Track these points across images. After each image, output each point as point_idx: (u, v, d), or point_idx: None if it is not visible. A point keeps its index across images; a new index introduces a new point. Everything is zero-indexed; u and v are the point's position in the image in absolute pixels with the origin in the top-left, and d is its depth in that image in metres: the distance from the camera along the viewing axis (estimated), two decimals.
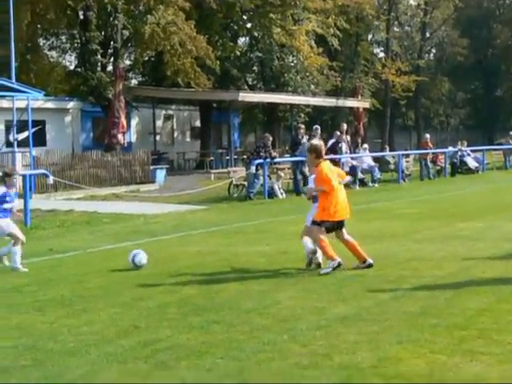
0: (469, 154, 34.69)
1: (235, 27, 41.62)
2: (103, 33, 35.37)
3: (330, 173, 10.42)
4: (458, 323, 7.19)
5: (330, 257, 10.14)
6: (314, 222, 10.41)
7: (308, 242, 10.38)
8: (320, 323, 7.30)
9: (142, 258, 10.78)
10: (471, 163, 34.45)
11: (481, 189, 25.49)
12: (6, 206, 10.92)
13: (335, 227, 10.52)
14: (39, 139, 30.97)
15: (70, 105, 36.07)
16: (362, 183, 27.32)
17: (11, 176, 11.37)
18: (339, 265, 10.08)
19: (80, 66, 36.44)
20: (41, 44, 41.17)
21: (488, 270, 9.91)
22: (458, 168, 33.63)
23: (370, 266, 10.29)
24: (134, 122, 40.13)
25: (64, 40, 41.83)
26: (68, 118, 36.31)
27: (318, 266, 10.30)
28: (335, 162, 25.67)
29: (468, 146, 35.16)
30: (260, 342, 6.67)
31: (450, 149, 34.85)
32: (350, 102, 44.27)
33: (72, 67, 42.37)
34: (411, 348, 6.40)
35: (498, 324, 7.11)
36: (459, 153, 33.77)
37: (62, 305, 8.47)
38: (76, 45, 38.97)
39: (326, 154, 25.46)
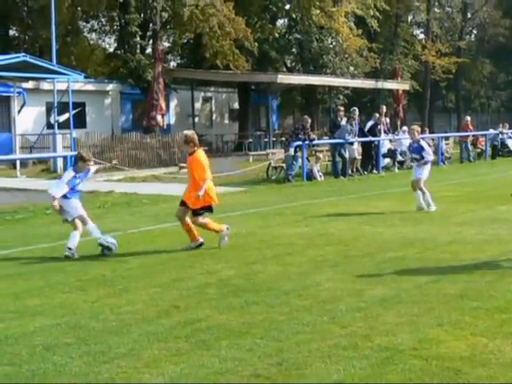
0: (510, 137, 34.24)
1: (274, 9, 41.43)
2: (142, 15, 35.54)
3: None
4: (499, 306, 7.14)
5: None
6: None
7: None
8: (359, 305, 7.31)
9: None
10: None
11: None
12: (78, 187, 11.10)
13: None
14: (79, 121, 31.33)
15: (110, 87, 36.34)
16: (402, 165, 27.13)
17: (86, 161, 11.06)
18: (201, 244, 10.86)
19: (119, 49, 36.69)
20: (81, 27, 41.50)
21: None
22: (499, 150, 33.23)
23: (201, 244, 10.93)
24: (173, 104, 40.28)
25: (104, 22, 42.09)
26: (108, 100, 36.58)
27: None
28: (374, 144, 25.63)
29: (509, 128, 34.68)
30: (299, 323, 6.70)
31: (491, 131, 34.43)
32: (390, 84, 43.90)
33: (111, 49, 42.67)
34: (452, 330, 6.38)
35: None
36: (500, 135, 33.35)
37: (104, 284, 8.58)
38: (115, 27, 39.20)
39: (364, 136, 25.15)
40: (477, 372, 5.36)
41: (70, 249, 10.47)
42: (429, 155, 15.39)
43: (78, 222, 10.81)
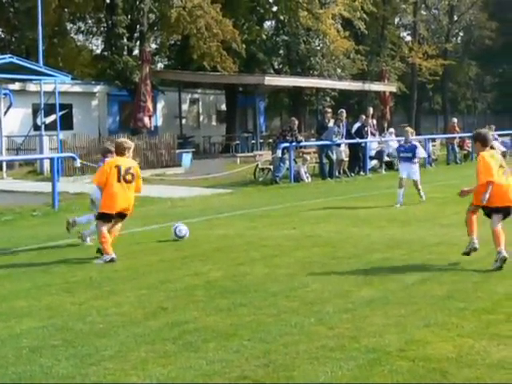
0: (496, 139, 34.27)
1: (261, 10, 41.45)
2: (129, 16, 35.46)
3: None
4: (486, 307, 7.17)
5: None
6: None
7: None
8: (347, 306, 7.32)
9: (182, 229, 11.75)
10: (499, 148, 34.06)
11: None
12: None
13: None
14: (66, 123, 31.21)
15: (97, 88, 36.24)
16: (389, 167, 27.22)
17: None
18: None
19: (106, 50, 36.60)
20: (68, 28, 41.37)
21: None
22: None
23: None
24: (160, 105, 40.23)
25: (91, 24, 41.97)
26: (95, 102, 36.49)
27: None
28: (360, 146, 25.68)
29: (495, 130, 34.80)
30: (287, 325, 6.71)
31: (475, 132, 34.50)
32: (377, 86, 44.00)
33: (98, 51, 42.59)
34: (438, 331, 6.40)
35: None
36: None
37: (91, 286, 8.56)
38: (102, 29, 39.12)
39: (351, 138, 25.68)
40: (463, 373, 5.38)
41: (83, 234, 11.57)
42: (422, 153, 17.15)
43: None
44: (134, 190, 10.70)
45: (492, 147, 10.38)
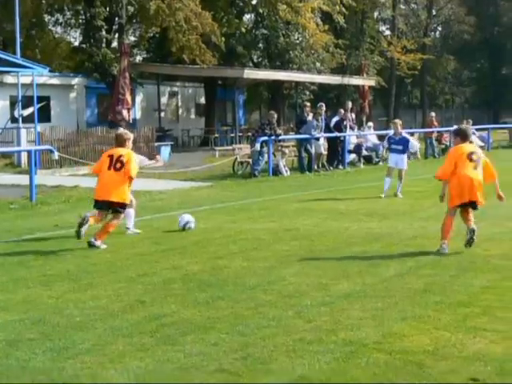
0: (474, 133, 34.50)
1: (241, 4, 41.38)
2: (108, 9, 35.23)
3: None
4: (462, 300, 7.23)
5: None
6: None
7: None
8: (324, 299, 7.35)
9: (190, 221, 12.01)
10: (476, 142, 34.27)
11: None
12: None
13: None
14: (44, 115, 31.03)
15: (75, 81, 36.04)
16: (368, 161, 27.30)
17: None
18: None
19: (85, 42, 36.36)
20: (45, 20, 41.00)
21: (492, 248, 9.95)
22: None
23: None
24: (139, 98, 40.07)
25: (69, 16, 41.61)
26: (73, 94, 36.29)
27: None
28: (339, 140, 25.72)
29: (473, 124, 34.96)
30: (265, 318, 6.72)
31: (455, 127, 34.69)
32: (356, 80, 44.08)
33: (77, 43, 42.27)
34: (415, 324, 6.44)
35: (502, 301, 7.16)
36: None
37: (68, 280, 8.52)
38: (81, 21, 38.83)
39: (330, 131, 25.99)
40: (440, 366, 5.42)
41: (128, 228, 11.65)
42: (416, 146, 18.77)
43: (133, 199, 11.61)
44: (123, 176, 10.86)
45: (471, 142, 10.65)
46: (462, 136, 10.36)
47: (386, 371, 5.33)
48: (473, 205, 9.98)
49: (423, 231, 11.54)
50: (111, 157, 10.94)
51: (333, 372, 5.35)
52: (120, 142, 11.23)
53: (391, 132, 18.33)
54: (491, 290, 7.64)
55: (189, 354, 5.77)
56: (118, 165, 10.84)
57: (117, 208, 10.90)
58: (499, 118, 62.20)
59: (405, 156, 17.28)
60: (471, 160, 9.94)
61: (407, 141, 17.37)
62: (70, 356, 5.77)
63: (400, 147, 17.09)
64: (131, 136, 11.47)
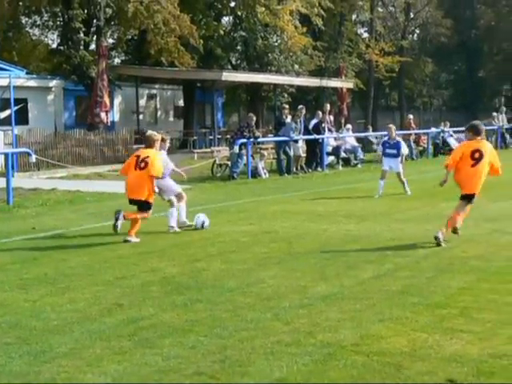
0: (451, 135, 34.76)
1: (219, 6, 41.31)
2: (86, 11, 35.05)
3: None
4: (439, 302, 7.27)
5: None
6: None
7: None
8: (303, 302, 7.36)
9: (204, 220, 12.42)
10: (453, 144, 34.46)
11: None
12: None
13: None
14: (21, 118, 30.77)
15: (53, 83, 35.81)
16: (346, 163, 27.39)
17: (165, 141, 12.53)
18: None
19: (63, 44, 36.13)
20: (23, 22, 40.75)
21: (469, 250, 10.02)
22: (441, 149, 33.74)
23: None
24: (117, 100, 39.90)
25: (46, 18, 41.39)
26: (50, 97, 36.06)
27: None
28: (318, 142, 25.78)
29: (451, 126, 35.22)
30: (243, 321, 6.72)
31: (433, 129, 34.91)
32: (334, 83, 44.18)
33: (54, 45, 41.99)
34: (393, 326, 6.47)
35: (478, 303, 7.20)
36: (442, 134, 33.87)
37: (46, 283, 8.47)
38: (58, 23, 38.61)
39: (308, 134, 26.22)
40: (417, 367, 5.44)
41: (172, 227, 12.11)
42: (405, 150, 19.92)
43: (174, 199, 12.23)
44: (147, 174, 11.41)
45: (482, 138, 11.36)
46: (475, 131, 10.88)
47: (364, 373, 5.35)
48: (469, 197, 10.73)
49: (401, 233, 11.59)
50: (138, 157, 11.61)
51: (311, 374, 5.36)
52: (149, 143, 11.79)
53: (386, 137, 19.14)
54: (468, 291, 7.69)
55: (167, 357, 5.76)
56: (143, 164, 11.45)
57: (141, 205, 11.54)
58: (476, 120, 62.49)
59: (398, 159, 17.84)
60: (473, 158, 10.61)
61: (401, 145, 18.14)
62: (47, 360, 5.74)
63: (394, 151, 17.76)
64: (159, 137, 12.08)
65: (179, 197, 12.44)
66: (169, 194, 12.39)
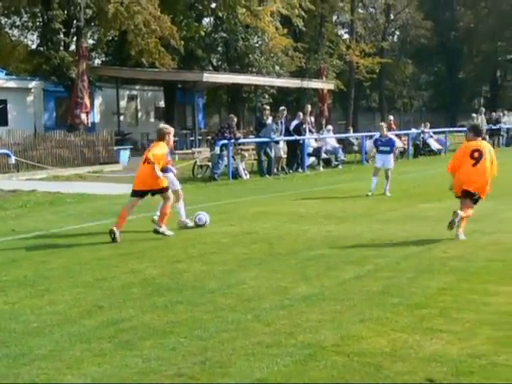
0: (431, 136, 34.96)
1: (200, 7, 41.32)
2: (66, 11, 34.91)
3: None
4: (419, 302, 7.30)
5: None
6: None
7: None
8: (283, 303, 7.36)
9: (202, 217, 12.66)
10: (434, 145, 34.72)
11: (443, 170, 25.59)
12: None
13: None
14: (1, 119, 30.66)
15: (32, 84, 35.65)
16: (327, 164, 27.45)
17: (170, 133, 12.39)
18: None
19: (42, 45, 35.97)
20: (2, 22, 40.53)
21: (449, 251, 10.07)
22: (421, 149, 33.90)
23: None
24: (98, 102, 39.79)
25: (26, 18, 41.19)
26: (30, 98, 35.89)
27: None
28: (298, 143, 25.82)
29: (431, 127, 35.40)
30: (224, 322, 6.72)
31: (413, 130, 35.07)
32: (315, 84, 44.28)
33: (34, 46, 41.81)
34: (373, 326, 6.49)
35: (458, 303, 7.24)
36: (422, 134, 34.03)
37: (25, 285, 8.42)
38: (38, 23, 38.43)
39: (289, 135, 26.38)
40: (397, 367, 5.46)
41: (182, 221, 12.54)
42: (398, 143, 20.99)
43: (171, 195, 12.01)
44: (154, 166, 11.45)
45: (483, 138, 11.49)
46: (476, 132, 11.23)
47: (344, 373, 5.36)
48: (470, 195, 10.98)
49: (381, 234, 11.63)
50: (149, 151, 11.77)
51: (291, 374, 5.36)
52: (161, 135, 11.92)
53: (377, 135, 19.44)
54: (447, 291, 7.73)
55: (147, 358, 5.74)
56: (151, 157, 11.57)
57: (159, 193, 11.79)
58: (456, 121, 62.91)
59: (391, 156, 18.26)
60: (473, 157, 10.89)
61: (394, 142, 18.63)
62: (27, 362, 5.70)
63: (387, 148, 18.12)
64: (172, 130, 12.19)
65: (177, 195, 12.44)
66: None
